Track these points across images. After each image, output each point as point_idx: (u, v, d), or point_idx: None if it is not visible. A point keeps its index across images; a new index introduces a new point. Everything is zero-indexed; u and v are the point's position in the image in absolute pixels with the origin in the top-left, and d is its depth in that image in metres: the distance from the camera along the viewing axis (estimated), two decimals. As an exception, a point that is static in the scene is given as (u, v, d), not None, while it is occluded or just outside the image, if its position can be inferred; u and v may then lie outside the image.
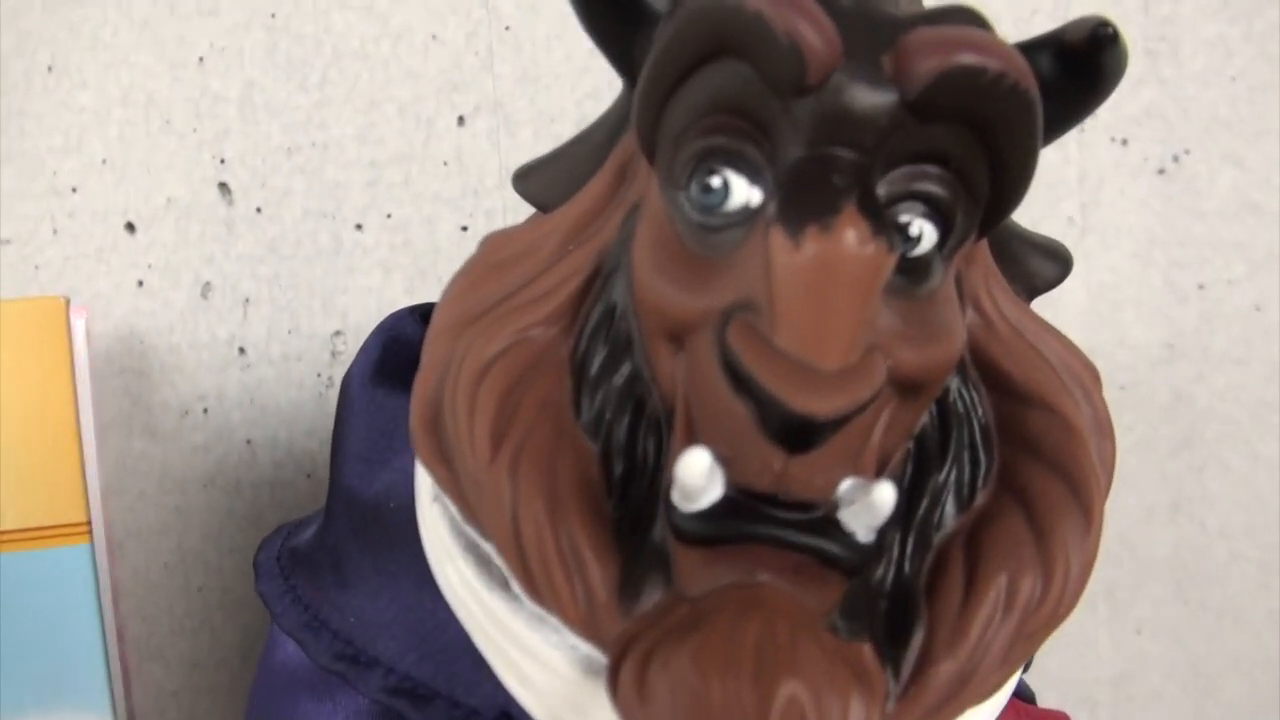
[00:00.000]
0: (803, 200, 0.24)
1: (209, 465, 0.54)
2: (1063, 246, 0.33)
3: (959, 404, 0.29)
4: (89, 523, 0.39)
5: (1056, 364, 0.30)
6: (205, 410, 0.54)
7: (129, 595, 0.54)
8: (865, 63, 0.25)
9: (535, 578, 0.27)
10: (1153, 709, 0.60)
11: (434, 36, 0.54)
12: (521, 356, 0.28)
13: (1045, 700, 0.58)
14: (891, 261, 0.24)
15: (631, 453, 0.28)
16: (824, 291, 0.24)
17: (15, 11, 0.52)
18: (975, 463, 0.29)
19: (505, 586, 0.28)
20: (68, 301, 0.40)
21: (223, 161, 0.53)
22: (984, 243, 0.30)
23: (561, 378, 0.29)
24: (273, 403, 0.54)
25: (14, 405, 0.39)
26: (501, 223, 0.54)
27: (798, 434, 0.24)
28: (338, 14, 0.54)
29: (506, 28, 0.54)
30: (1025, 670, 0.37)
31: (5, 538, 0.38)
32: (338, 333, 0.54)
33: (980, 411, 0.29)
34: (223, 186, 0.53)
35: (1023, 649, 0.27)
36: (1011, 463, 0.29)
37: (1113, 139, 0.58)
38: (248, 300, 0.54)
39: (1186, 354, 0.59)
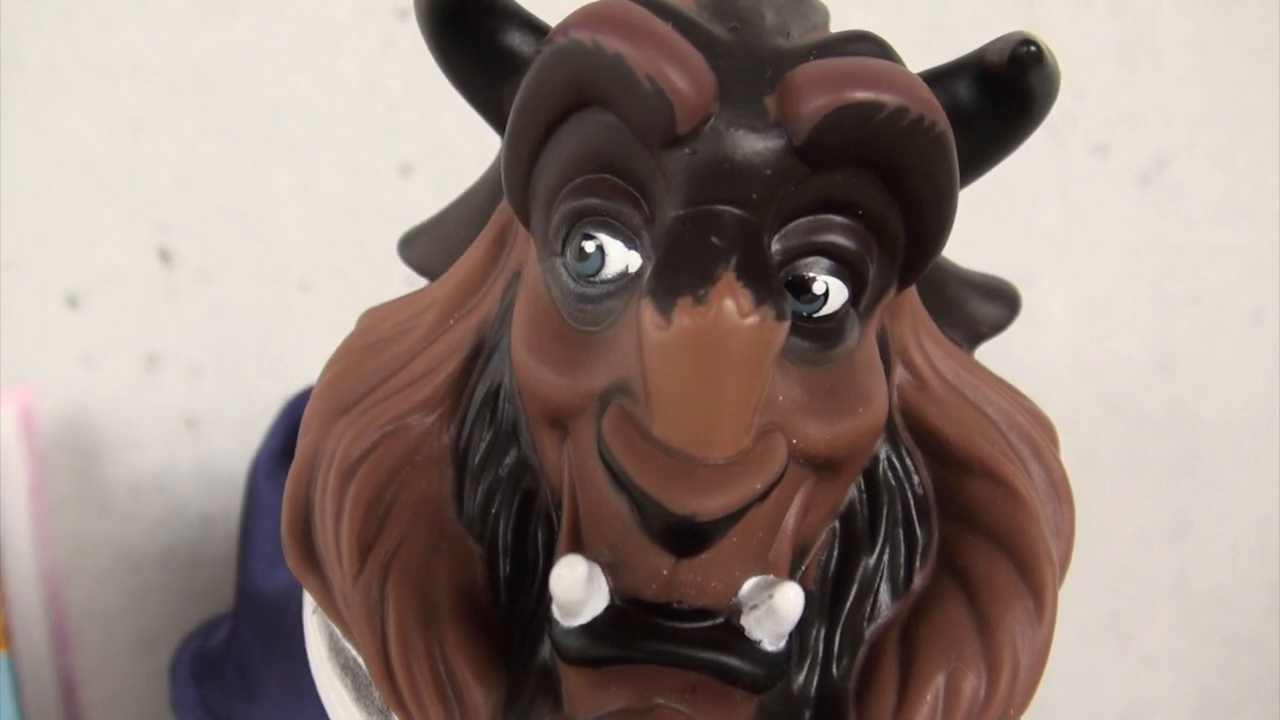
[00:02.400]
0: (675, 269, 0.20)
1: (164, 543, 0.51)
2: (1009, 285, 0.30)
3: (889, 475, 0.25)
4: (6, 634, 0.36)
5: (1001, 422, 0.26)
6: (158, 486, 0.51)
7: (89, 682, 0.50)
8: (745, 105, 0.22)
9: (408, 705, 0.23)
10: (1167, 743, 0.55)
11: (373, 86, 0.51)
12: (396, 449, 0.25)
13: (1053, 740, 0.54)
14: (781, 332, 0.20)
15: (520, 552, 0.24)
16: (702, 373, 0.20)
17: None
18: (911, 540, 0.25)
19: (385, 712, 0.25)
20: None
21: (162, 227, 0.50)
22: (912, 290, 0.26)
23: (442, 470, 0.25)
24: (226, 475, 0.51)
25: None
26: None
27: (682, 537, 0.21)
28: (271, 66, 0.50)
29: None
30: None
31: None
32: (289, 397, 0.51)
33: (915, 480, 0.25)
34: (163, 253, 0.50)
35: (967, 761, 0.23)
36: (952, 538, 0.25)
37: (1091, 148, 0.54)
38: (195, 370, 0.50)
39: (1182, 368, 0.54)
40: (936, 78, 0.24)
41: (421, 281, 0.29)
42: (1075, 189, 0.54)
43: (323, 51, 0.50)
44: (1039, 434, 0.27)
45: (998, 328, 0.29)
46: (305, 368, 0.50)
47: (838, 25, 0.53)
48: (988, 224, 0.53)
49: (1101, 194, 0.54)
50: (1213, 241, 0.54)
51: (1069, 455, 0.55)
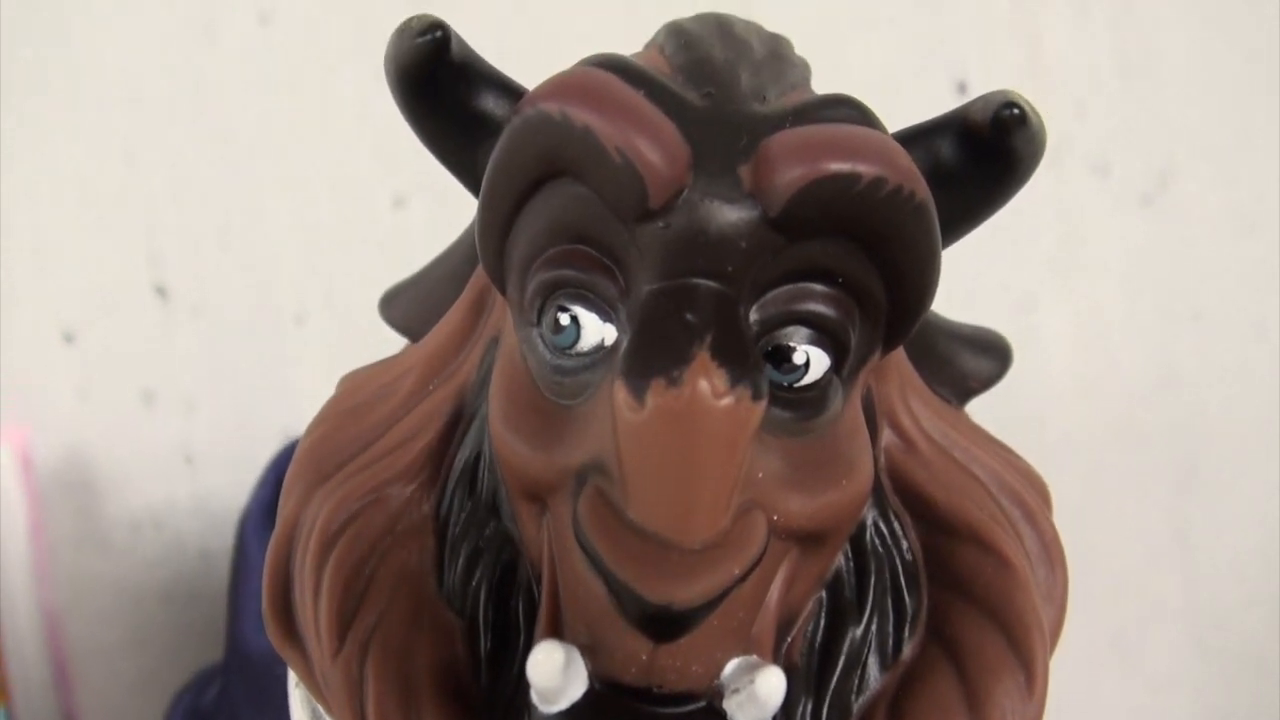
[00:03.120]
0: (648, 347, 0.20)
1: (164, 580, 0.51)
2: (1000, 338, 0.29)
3: (877, 541, 0.25)
4: (4, 686, 0.36)
5: (992, 485, 0.26)
6: (156, 523, 0.50)
7: (96, 716, 0.50)
8: (719, 176, 0.21)
9: (389, 787, 0.23)
10: (1175, 763, 0.55)
11: (364, 117, 0.50)
12: (376, 520, 0.24)
13: (1060, 764, 0.53)
14: (758, 412, 0.20)
15: (501, 624, 0.24)
16: (677, 456, 0.19)
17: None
18: (900, 608, 0.24)
19: (367, 790, 0.24)
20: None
21: (157, 262, 0.50)
22: (899, 350, 0.25)
23: (423, 541, 0.24)
24: (224, 510, 0.50)
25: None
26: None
27: (660, 623, 0.20)
28: (265, 98, 0.50)
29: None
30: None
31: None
32: (288, 431, 0.51)
33: (904, 546, 0.25)
34: (158, 288, 0.50)
35: (958, 840, 0.23)
36: (942, 606, 0.24)
37: (1092, 168, 0.53)
38: (192, 404, 0.50)
39: (1185, 386, 0.54)
40: (918, 136, 0.23)
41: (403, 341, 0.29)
42: (1076, 208, 0.53)
43: (315, 86, 0.50)
44: (1030, 495, 0.26)
45: (988, 383, 0.28)
46: (302, 400, 0.50)
47: (838, 46, 0.53)
48: (989, 246, 0.52)
49: (1102, 213, 0.53)
50: (1214, 257, 0.53)
51: (1074, 474, 0.55)
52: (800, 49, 0.54)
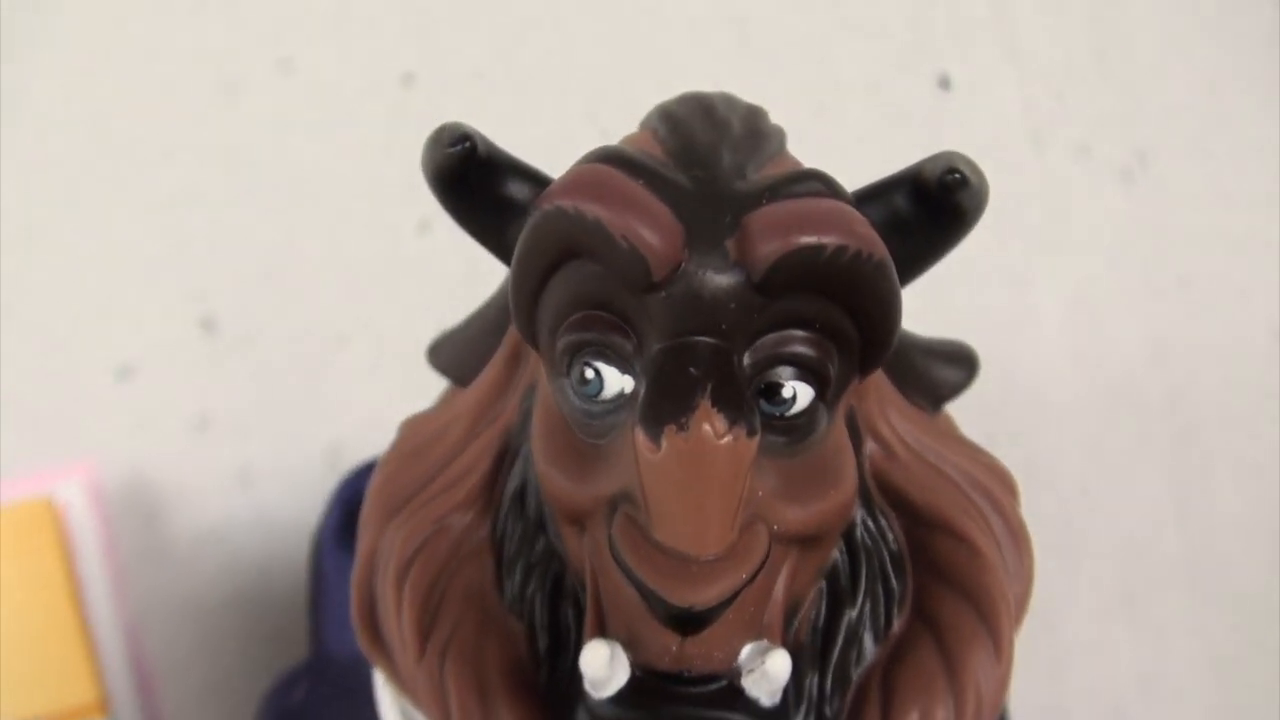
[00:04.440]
0: (660, 399, 0.25)
1: (228, 591, 0.56)
2: (966, 348, 0.34)
3: (866, 536, 0.30)
4: (103, 701, 0.42)
5: (962, 482, 0.31)
6: (218, 538, 0.56)
7: (171, 723, 0.56)
8: (709, 250, 0.26)
9: (473, 766, 0.29)
10: (1182, 706, 0.60)
11: (387, 149, 0.56)
12: (441, 547, 0.30)
13: (1073, 714, 0.59)
14: (753, 447, 0.25)
15: (554, 626, 0.30)
16: (689, 487, 0.25)
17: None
18: (889, 592, 0.30)
19: (454, 771, 0.30)
20: (50, 500, 0.42)
21: (202, 297, 0.55)
22: (878, 372, 0.31)
23: (483, 560, 0.30)
24: (281, 523, 0.56)
25: (12, 600, 0.41)
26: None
27: (685, 621, 0.26)
28: (292, 140, 0.55)
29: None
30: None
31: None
32: (335, 448, 0.56)
33: (890, 539, 0.31)
34: (205, 322, 0.56)
35: (942, 780, 0.29)
36: (924, 588, 0.30)
37: (1073, 149, 0.58)
38: (244, 428, 0.56)
39: (1174, 352, 0.59)
40: (878, 192, 0.28)
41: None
42: (1061, 189, 0.58)
43: (337, 124, 0.55)
44: (997, 487, 0.32)
45: (958, 389, 0.34)
46: (347, 418, 0.56)
47: (824, 45, 0.57)
48: (981, 230, 0.57)
49: (1086, 192, 0.58)
50: (1196, 228, 0.58)
51: (1074, 443, 0.60)
52: (787, 50, 0.59)
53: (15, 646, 0.42)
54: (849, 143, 0.57)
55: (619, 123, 0.53)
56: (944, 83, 0.57)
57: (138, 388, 0.56)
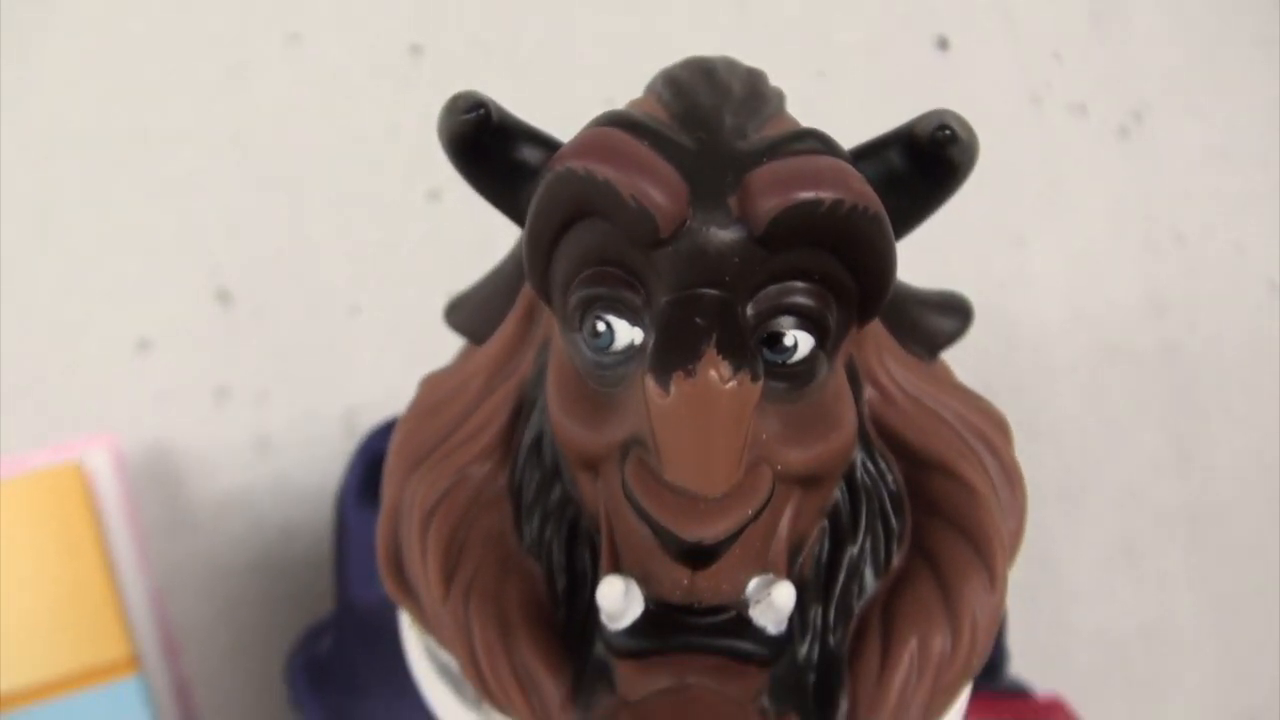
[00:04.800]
0: (668, 348, 0.27)
1: (251, 554, 0.59)
2: (961, 297, 0.36)
3: (866, 477, 0.32)
4: (135, 657, 0.44)
5: (957, 424, 0.33)
6: (239, 504, 0.58)
7: (197, 685, 0.58)
8: (713, 207, 0.28)
9: (497, 697, 0.31)
10: (1186, 654, 0.62)
11: (394, 123, 0.57)
12: (462, 495, 0.32)
13: (1077, 659, 0.61)
14: (756, 391, 0.27)
15: (571, 568, 0.31)
16: (697, 429, 0.27)
17: (4, 163, 0.57)
18: (888, 529, 0.32)
19: (477, 704, 0.32)
20: (80, 464, 0.44)
21: (217, 272, 0.57)
22: (874, 321, 0.33)
23: (502, 507, 0.32)
24: (300, 487, 0.59)
25: (47, 563, 0.43)
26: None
27: (695, 556, 0.28)
28: (300, 116, 0.57)
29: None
30: (996, 677, 0.40)
31: (61, 683, 0.43)
32: (350, 414, 0.58)
33: (889, 480, 0.32)
34: (221, 295, 0.57)
35: (941, 701, 0.31)
36: (921, 525, 0.32)
37: (1070, 109, 0.60)
38: (262, 397, 0.58)
39: (1172, 305, 0.61)
40: (874, 149, 0.30)
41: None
42: (1058, 148, 0.60)
43: (346, 96, 0.57)
44: (991, 430, 0.33)
45: (953, 337, 0.36)
46: (361, 383, 0.58)
47: (824, 10, 0.59)
48: (978, 189, 0.59)
49: (1083, 150, 0.60)
50: (1191, 184, 0.60)
51: (1075, 396, 0.62)
52: (788, 14, 0.61)
53: (48, 606, 0.44)
54: (850, 105, 0.58)
55: (624, 91, 0.55)
56: (942, 44, 0.59)
57: (157, 360, 0.58)
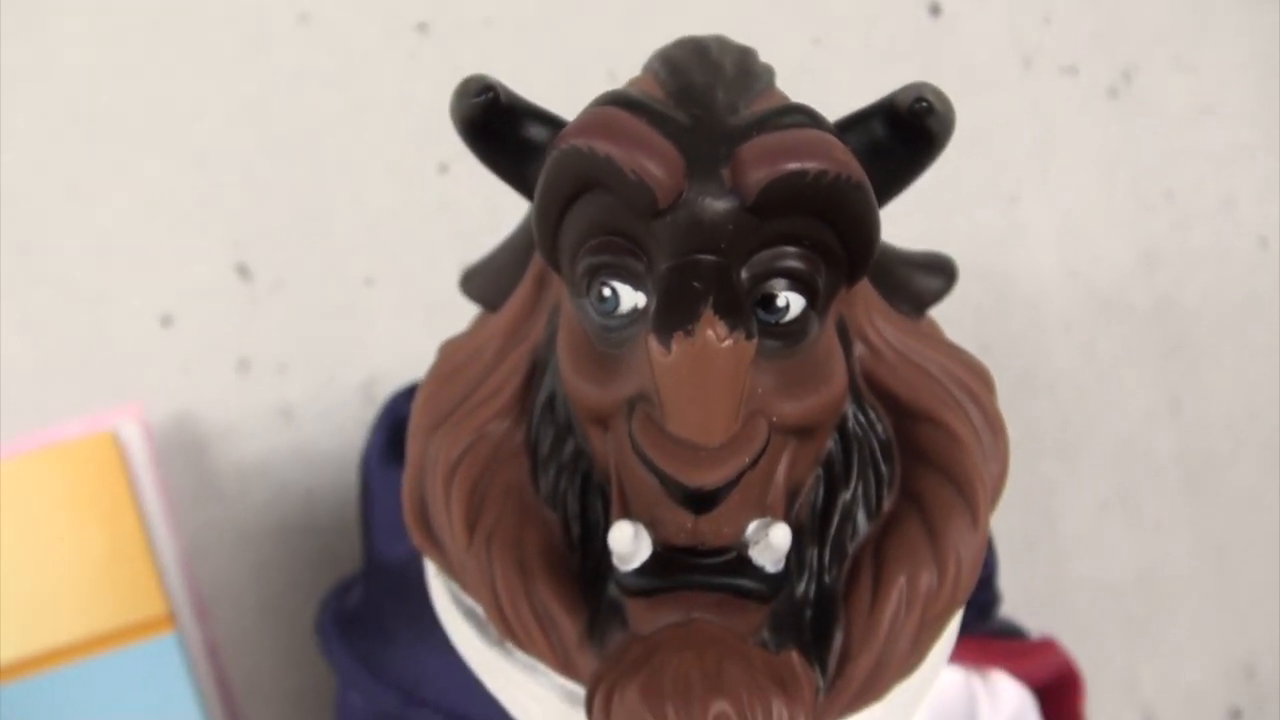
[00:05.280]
0: (668, 310, 0.30)
1: (276, 519, 0.62)
2: (946, 258, 0.39)
3: (857, 428, 0.35)
4: (171, 614, 0.47)
5: (942, 377, 0.36)
6: (263, 471, 0.61)
7: (227, 645, 0.62)
8: (707, 179, 0.31)
9: (518, 636, 0.34)
10: (1181, 596, 0.65)
11: (405, 97, 0.60)
12: (482, 451, 0.35)
13: (1075, 605, 0.64)
14: (751, 349, 0.30)
15: (585, 517, 0.34)
16: (696, 385, 0.30)
17: (28, 139, 0.59)
18: (879, 476, 0.35)
19: (500, 643, 0.35)
20: (114, 433, 0.47)
21: (237, 246, 0.60)
22: (864, 282, 0.35)
23: (520, 461, 0.35)
24: (322, 453, 0.61)
25: (84, 528, 0.46)
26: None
27: (697, 501, 0.31)
28: (314, 93, 0.60)
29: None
30: (987, 618, 0.43)
31: (101, 641, 0.46)
32: (369, 381, 0.61)
33: (879, 430, 0.35)
34: (241, 269, 0.60)
35: (929, 632, 0.34)
36: (910, 471, 0.35)
37: (1061, 69, 0.62)
38: (283, 367, 0.61)
39: (1163, 261, 0.63)
40: (857, 120, 0.33)
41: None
42: (1049, 109, 0.62)
43: (358, 73, 0.60)
44: (974, 381, 0.36)
45: (939, 295, 0.38)
46: (378, 352, 0.61)
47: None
48: (973, 151, 0.62)
49: (1074, 110, 0.62)
50: (1180, 141, 0.62)
51: (1070, 351, 0.65)
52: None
53: (89, 568, 0.47)
54: (845, 72, 0.61)
55: (625, 64, 0.58)
56: (935, 10, 0.61)
57: (181, 333, 0.60)
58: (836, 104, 0.58)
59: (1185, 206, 0.63)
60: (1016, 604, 0.64)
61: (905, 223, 0.61)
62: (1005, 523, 0.64)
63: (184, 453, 0.61)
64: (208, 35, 0.59)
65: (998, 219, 0.62)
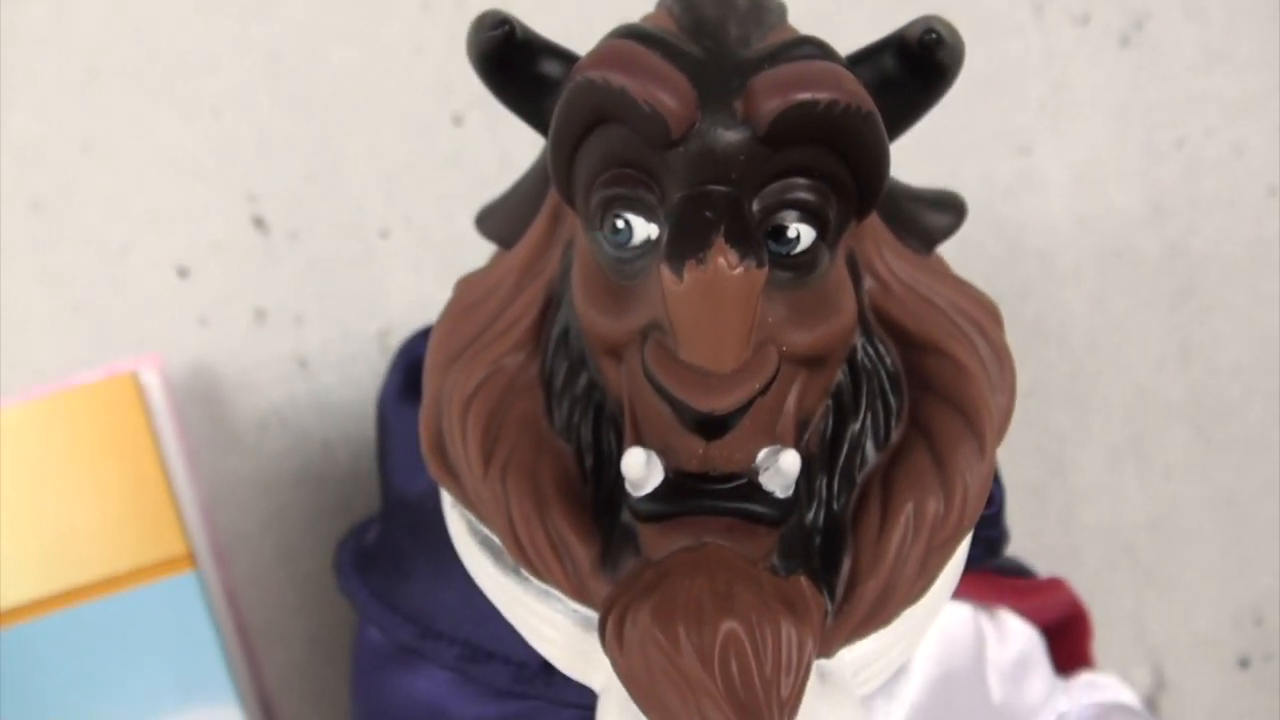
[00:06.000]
0: (681, 239, 0.31)
1: (294, 468, 0.63)
2: (955, 195, 0.39)
3: (866, 360, 0.36)
4: (191, 554, 0.48)
5: (949, 310, 0.36)
6: (281, 420, 0.62)
7: (246, 590, 0.63)
8: (720, 110, 0.32)
9: (534, 563, 0.35)
10: (1191, 544, 0.66)
11: (418, 49, 0.61)
12: (498, 384, 0.36)
13: (1086, 554, 0.65)
14: (761, 277, 0.31)
15: (598, 448, 0.35)
16: (708, 312, 0.31)
17: (44, 94, 0.60)
18: (887, 406, 0.36)
19: (516, 571, 0.36)
20: (135, 375, 0.48)
21: (253, 198, 0.61)
22: (873, 217, 0.36)
23: (534, 394, 0.36)
24: (339, 403, 0.62)
25: (106, 468, 0.47)
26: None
27: (708, 426, 0.32)
28: (329, 47, 0.60)
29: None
30: (995, 555, 0.44)
31: (124, 579, 0.47)
32: (384, 331, 0.62)
33: (888, 362, 0.36)
34: (258, 221, 0.61)
35: (936, 559, 0.34)
36: (917, 402, 0.36)
37: (1072, 18, 0.62)
38: (299, 318, 0.62)
39: (1174, 209, 0.64)
40: (868, 54, 0.34)
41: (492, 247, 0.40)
42: (1061, 58, 0.62)
43: (371, 24, 0.60)
44: (981, 314, 0.37)
45: (948, 232, 0.39)
46: (393, 303, 0.62)
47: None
48: (985, 100, 0.62)
49: (1085, 59, 0.62)
50: (1191, 89, 0.63)
51: (1082, 300, 0.66)
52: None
53: (112, 507, 0.48)
54: (859, 19, 0.61)
55: (636, 13, 0.58)
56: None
57: (198, 285, 0.61)
58: (852, 44, 0.59)
59: (1195, 155, 0.63)
60: (1028, 551, 0.64)
61: (917, 172, 0.62)
62: (1016, 471, 0.65)
63: (202, 402, 0.62)
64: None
65: (1009, 168, 0.63)
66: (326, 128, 0.61)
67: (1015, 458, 0.65)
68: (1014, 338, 0.63)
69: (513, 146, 0.60)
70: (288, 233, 0.61)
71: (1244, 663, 0.68)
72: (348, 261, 0.61)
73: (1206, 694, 0.68)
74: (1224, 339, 0.65)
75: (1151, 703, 0.68)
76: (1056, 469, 0.66)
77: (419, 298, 0.62)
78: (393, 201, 0.61)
